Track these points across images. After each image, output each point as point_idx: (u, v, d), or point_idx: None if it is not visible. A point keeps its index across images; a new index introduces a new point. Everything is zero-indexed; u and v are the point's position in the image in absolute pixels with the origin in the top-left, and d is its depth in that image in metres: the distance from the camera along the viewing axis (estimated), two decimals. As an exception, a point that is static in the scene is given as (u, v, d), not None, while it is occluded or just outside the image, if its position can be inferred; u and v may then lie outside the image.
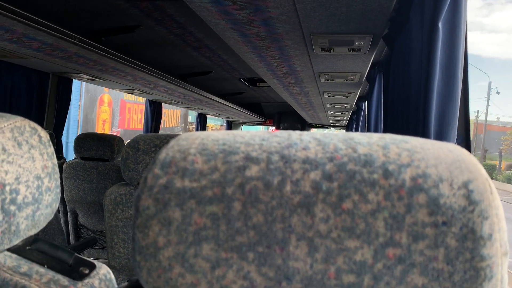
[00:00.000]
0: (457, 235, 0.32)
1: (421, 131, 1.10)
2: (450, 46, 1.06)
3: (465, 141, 1.24)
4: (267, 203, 0.32)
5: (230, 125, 8.05)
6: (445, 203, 0.32)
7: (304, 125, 7.64)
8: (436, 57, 1.05)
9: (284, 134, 0.37)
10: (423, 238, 0.32)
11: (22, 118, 0.58)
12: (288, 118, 7.41)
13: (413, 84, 1.25)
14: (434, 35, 1.05)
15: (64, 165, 2.58)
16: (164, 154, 0.35)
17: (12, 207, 0.54)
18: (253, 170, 0.33)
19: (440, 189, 0.32)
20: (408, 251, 0.32)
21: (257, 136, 0.36)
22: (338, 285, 0.32)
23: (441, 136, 1.07)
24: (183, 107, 5.87)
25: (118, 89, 4.09)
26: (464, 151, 0.36)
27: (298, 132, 0.37)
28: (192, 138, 0.36)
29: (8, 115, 0.58)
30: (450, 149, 0.35)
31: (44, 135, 0.60)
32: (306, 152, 0.34)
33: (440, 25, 1.04)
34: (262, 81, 4.09)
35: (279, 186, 0.32)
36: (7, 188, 0.53)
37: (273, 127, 7.80)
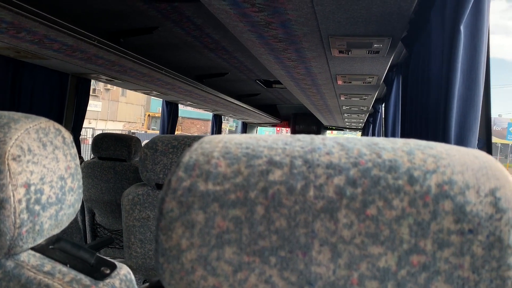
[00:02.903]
0: (484, 243, 0.31)
1: (441, 135, 1.08)
2: (472, 49, 1.04)
3: (486, 146, 1.22)
4: (290, 207, 0.32)
5: (245, 127, 8.06)
6: (472, 210, 0.31)
7: (319, 128, 7.60)
8: (458, 60, 1.03)
9: (307, 139, 0.36)
10: (449, 245, 0.31)
11: (47, 120, 0.59)
12: (303, 120, 7.39)
13: (433, 87, 1.23)
14: (456, 38, 1.03)
15: (82, 164, 2.62)
16: (188, 157, 0.35)
17: (37, 207, 0.55)
18: (276, 175, 0.33)
19: (466, 196, 0.32)
20: (433, 258, 0.31)
21: (280, 140, 0.36)
22: None
23: (461, 140, 1.05)
24: (199, 108, 5.90)
25: (135, 90, 4.13)
26: (490, 157, 0.35)
27: (321, 136, 0.37)
28: (215, 141, 0.36)
29: (33, 116, 0.59)
30: (476, 156, 0.35)
31: (68, 136, 0.61)
32: (329, 157, 0.33)
33: (462, 28, 1.02)
34: (278, 82, 4.08)
35: (302, 191, 0.32)
36: (32, 188, 0.54)
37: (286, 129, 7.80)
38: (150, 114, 24.49)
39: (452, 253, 0.31)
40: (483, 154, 0.35)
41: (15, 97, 2.70)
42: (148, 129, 23.88)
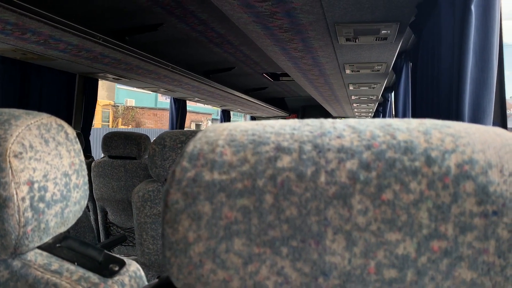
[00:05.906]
0: (510, 225, 0.29)
1: (454, 119, 1.06)
2: (484, 30, 1.01)
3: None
4: (301, 195, 0.30)
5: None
6: (495, 191, 0.29)
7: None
8: (469, 42, 1.00)
9: (316, 123, 0.35)
10: (471, 229, 0.29)
11: (48, 115, 0.58)
12: (312, 112, 7.36)
13: (444, 72, 1.20)
14: (467, 19, 1.00)
15: (93, 163, 2.63)
16: (192, 146, 0.34)
17: (41, 205, 0.54)
18: (285, 161, 0.31)
19: (489, 176, 0.30)
20: (455, 243, 0.30)
21: (287, 125, 0.34)
22: (379, 280, 0.30)
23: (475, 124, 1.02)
24: (207, 104, 5.90)
25: (143, 88, 4.14)
26: None
27: (330, 120, 0.35)
28: (220, 130, 0.35)
29: (35, 112, 0.58)
30: (498, 133, 0.33)
31: (71, 132, 0.60)
32: (340, 141, 0.32)
33: (473, 8, 0.99)
34: (286, 75, 4.06)
35: (313, 177, 0.30)
36: (36, 185, 0.53)
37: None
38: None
39: (475, 237, 0.29)
40: (504, 132, 0.33)
41: (24, 99, 2.72)
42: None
